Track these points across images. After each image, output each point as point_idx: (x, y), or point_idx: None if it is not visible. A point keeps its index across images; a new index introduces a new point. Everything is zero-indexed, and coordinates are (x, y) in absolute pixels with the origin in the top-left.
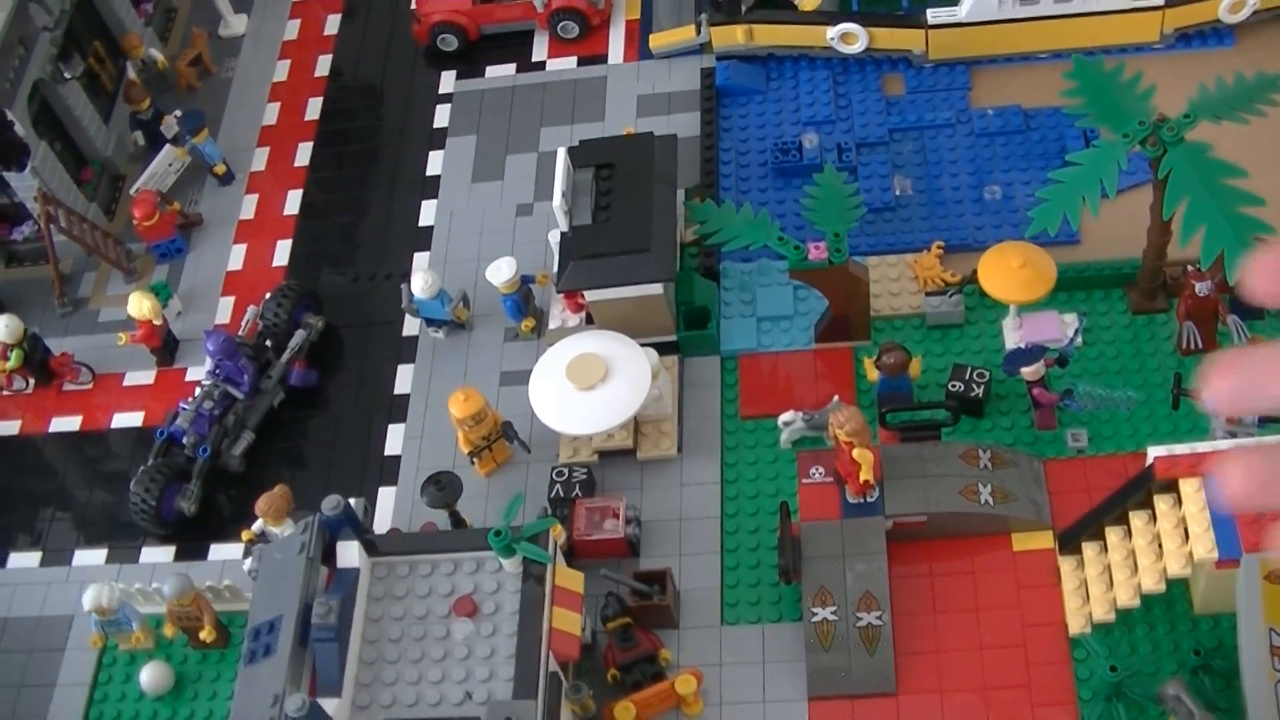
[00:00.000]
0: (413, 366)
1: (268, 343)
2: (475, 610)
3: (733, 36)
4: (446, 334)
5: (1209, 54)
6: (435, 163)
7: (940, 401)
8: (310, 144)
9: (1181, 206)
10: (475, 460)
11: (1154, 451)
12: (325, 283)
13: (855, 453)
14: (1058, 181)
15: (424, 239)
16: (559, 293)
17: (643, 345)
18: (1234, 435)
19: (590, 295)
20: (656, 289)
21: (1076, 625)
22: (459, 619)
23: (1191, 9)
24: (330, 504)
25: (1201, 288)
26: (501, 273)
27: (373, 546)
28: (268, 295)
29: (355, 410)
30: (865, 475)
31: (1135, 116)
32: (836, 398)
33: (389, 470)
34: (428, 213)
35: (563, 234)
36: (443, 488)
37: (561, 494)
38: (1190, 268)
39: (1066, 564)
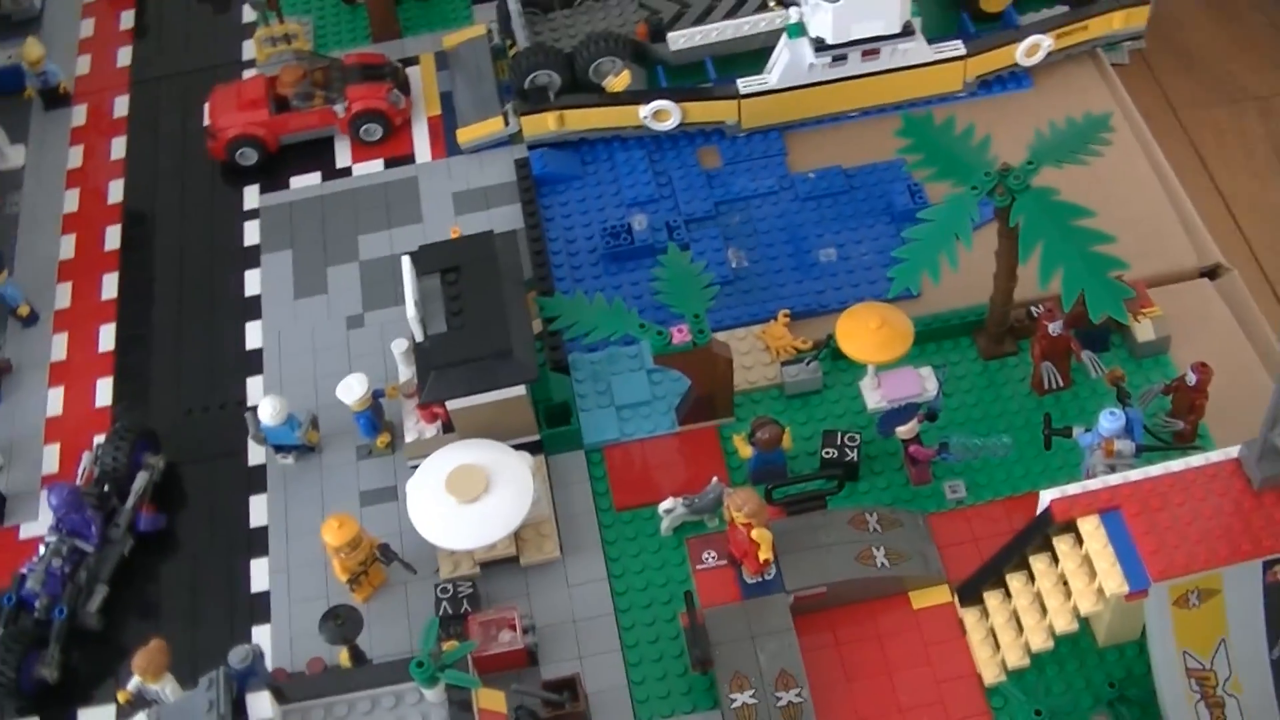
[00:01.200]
0: (265, 497)
1: (105, 488)
2: None
3: (544, 124)
4: (296, 459)
5: (1010, 97)
6: (253, 282)
7: (825, 471)
8: (115, 275)
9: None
10: (354, 587)
11: (1047, 495)
12: (157, 419)
13: (755, 533)
14: (914, 240)
15: (254, 363)
16: (421, 405)
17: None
18: (1113, 469)
19: (452, 403)
20: (520, 390)
21: (991, 674)
22: None
23: (990, 56)
24: (239, 656)
25: (1054, 328)
26: (353, 390)
27: (283, 694)
28: (102, 438)
29: (212, 550)
30: (765, 554)
31: (977, 168)
32: (715, 479)
33: (259, 608)
34: (253, 335)
35: (418, 344)
36: (342, 622)
37: (449, 611)
38: (1038, 309)
39: (970, 615)
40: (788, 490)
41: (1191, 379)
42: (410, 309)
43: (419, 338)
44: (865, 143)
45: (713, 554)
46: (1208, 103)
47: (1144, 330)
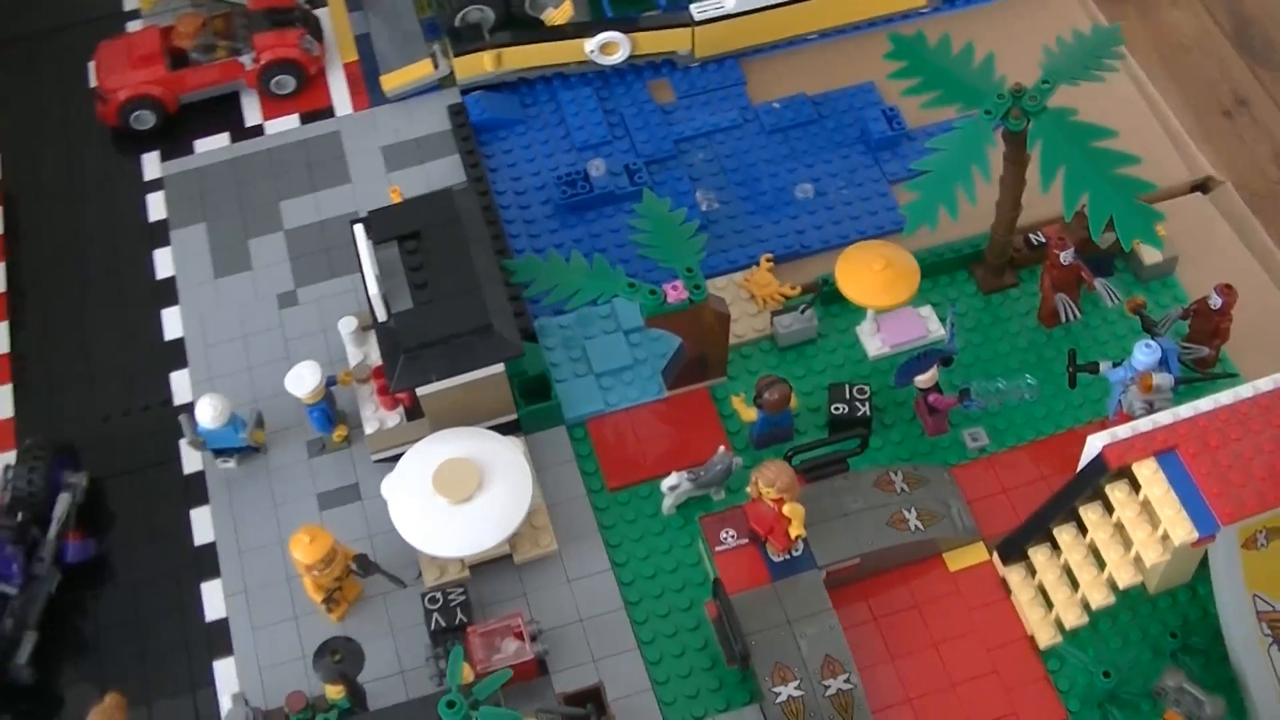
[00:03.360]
0: (208, 509)
1: (20, 516)
2: None
3: (479, 65)
4: (239, 462)
5: (975, 11)
6: (164, 262)
7: (841, 429)
8: (1, 266)
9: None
10: (330, 608)
11: (1096, 440)
12: (71, 430)
13: (787, 508)
14: (926, 172)
15: (176, 355)
16: (394, 393)
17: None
18: (1151, 405)
19: (422, 388)
20: (499, 367)
21: (1046, 636)
22: None
23: None
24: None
25: (1065, 256)
26: (304, 381)
27: None
28: (9, 459)
29: (154, 576)
30: (798, 530)
31: (987, 90)
32: (722, 448)
33: (218, 639)
34: (172, 323)
35: (381, 324)
36: (341, 659)
37: (442, 623)
38: (1038, 237)
39: (1013, 574)
40: (807, 454)
41: (1216, 302)
42: (371, 285)
43: (381, 317)
44: (828, 67)
45: (731, 532)
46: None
47: (1150, 252)
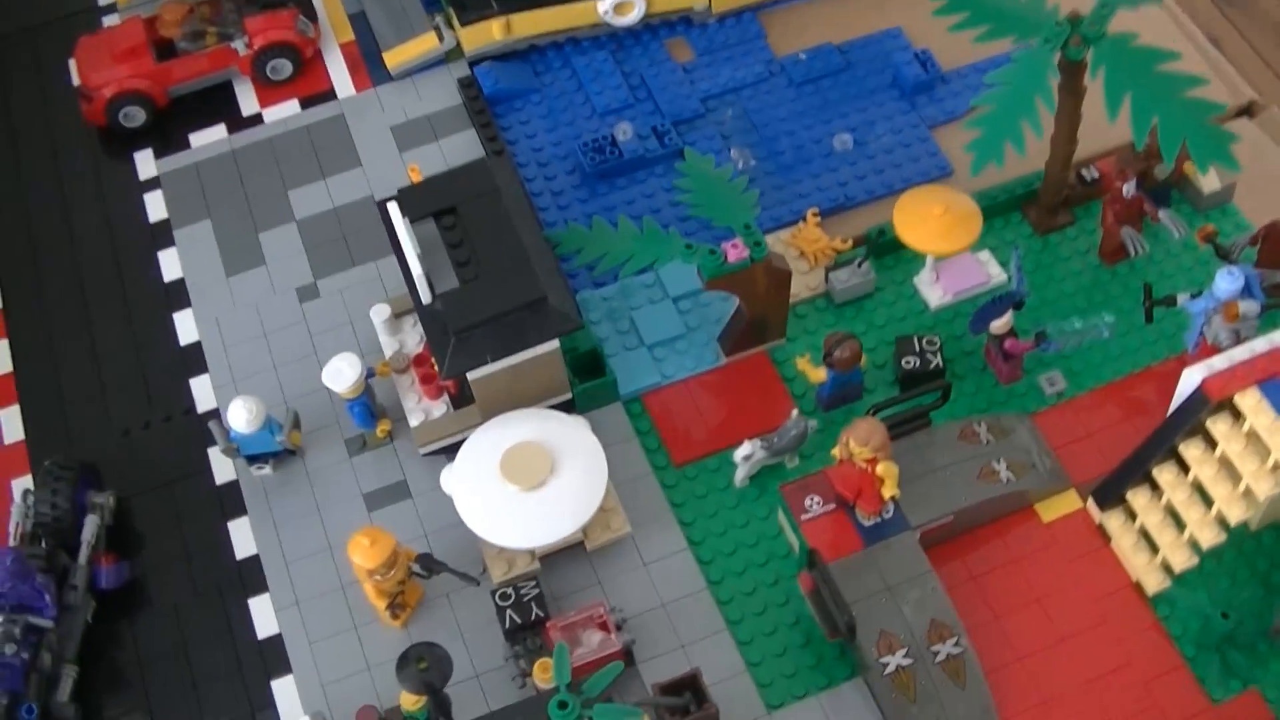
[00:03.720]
0: (247, 520)
1: (47, 544)
2: None
3: (488, 34)
4: (275, 467)
5: None
6: (171, 264)
7: (920, 382)
8: None
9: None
10: (395, 614)
11: (1194, 373)
12: (90, 448)
13: (880, 468)
14: (988, 108)
15: (194, 360)
16: (445, 379)
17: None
18: (1237, 334)
19: (472, 372)
20: (553, 344)
21: (1154, 582)
22: None
23: None
24: None
25: (1128, 189)
26: (344, 376)
27: None
28: (31, 484)
29: (195, 596)
30: (892, 489)
31: (1043, 18)
32: (796, 411)
33: (273, 657)
34: (185, 327)
35: (425, 307)
36: (427, 667)
37: (517, 620)
38: (1090, 173)
39: (1112, 520)
40: (890, 410)
41: None
42: (414, 265)
43: (426, 299)
44: (849, 16)
45: (817, 499)
46: None
47: (1209, 180)
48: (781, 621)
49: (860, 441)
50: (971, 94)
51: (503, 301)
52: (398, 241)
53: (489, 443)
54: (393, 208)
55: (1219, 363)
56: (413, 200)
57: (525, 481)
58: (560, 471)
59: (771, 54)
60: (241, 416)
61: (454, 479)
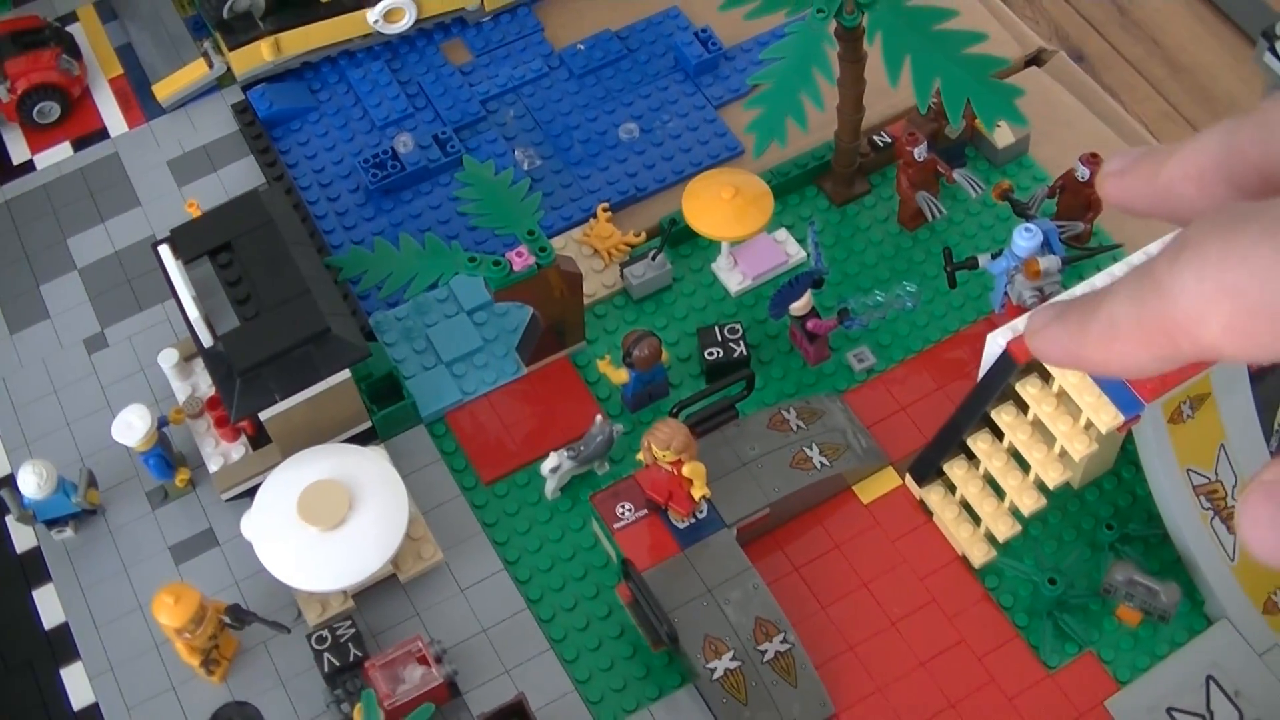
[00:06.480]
0: (52, 587)
1: None
2: None
3: (258, 55)
4: (76, 529)
5: None
6: None
7: (723, 373)
8: None
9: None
10: (210, 670)
11: (998, 337)
12: None
13: (687, 469)
14: (765, 84)
15: None
16: (235, 422)
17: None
18: (1041, 291)
19: (265, 410)
20: (345, 374)
21: (980, 554)
22: None
23: None
24: None
25: (919, 152)
26: (134, 429)
27: None
28: None
29: (6, 673)
30: (701, 489)
31: None
32: (600, 417)
33: None
34: None
35: (208, 350)
36: None
37: (335, 662)
38: (882, 139)
39: (932, 495)
40: (694, 407)
41: (1083, 173)
42: (190, 309)
43: (207, 342)
44: (625, 1)
45: (627, 506)
46: None
47: (1003, 134)
48: (606, 635)
49: (662, 445)
50: (756, 69)
51: (285, 337)
52: (173, 285)
53: (284, 485)
54: (164, 250)
55: (1023, 324)
56: (186, 240)
57: (325, 522)
58: (360, 507)
59: (551, 47)
60: (31, 482)
61: (253, 526)
